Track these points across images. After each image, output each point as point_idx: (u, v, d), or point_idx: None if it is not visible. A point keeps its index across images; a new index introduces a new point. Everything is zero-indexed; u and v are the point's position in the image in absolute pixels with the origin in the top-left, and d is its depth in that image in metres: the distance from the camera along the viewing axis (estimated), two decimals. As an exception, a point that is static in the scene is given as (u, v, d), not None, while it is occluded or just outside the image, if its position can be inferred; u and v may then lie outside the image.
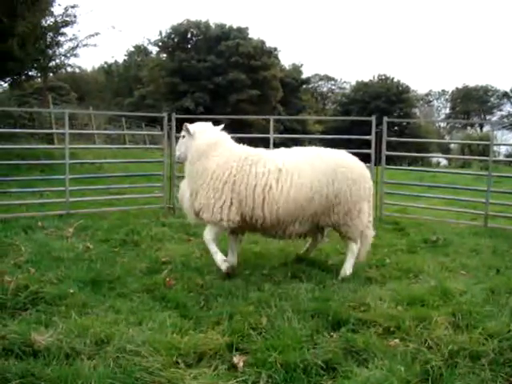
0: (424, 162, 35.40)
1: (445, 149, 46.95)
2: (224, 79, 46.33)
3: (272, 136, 9.84)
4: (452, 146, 46.80)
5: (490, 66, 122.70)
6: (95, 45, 22.99)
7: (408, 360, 3.65)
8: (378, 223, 9.14)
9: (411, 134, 47.54)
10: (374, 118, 9.70)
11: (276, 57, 52.93)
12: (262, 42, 50.40)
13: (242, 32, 49.33)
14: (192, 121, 6.15)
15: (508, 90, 71.47)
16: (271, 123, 10.01)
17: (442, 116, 75.04)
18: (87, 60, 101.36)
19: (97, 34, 22.66)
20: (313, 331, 4.12)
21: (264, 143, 9.56)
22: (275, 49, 52.49)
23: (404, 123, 54.33)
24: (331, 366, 3.60)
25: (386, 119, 9.66)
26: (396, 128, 52.91)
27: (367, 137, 9.85)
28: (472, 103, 71.59)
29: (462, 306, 4.64)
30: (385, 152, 9.73)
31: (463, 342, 3.89)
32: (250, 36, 50.02)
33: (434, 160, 41.44)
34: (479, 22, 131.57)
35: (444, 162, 39.53)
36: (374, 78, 61.69)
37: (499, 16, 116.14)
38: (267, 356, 3.60)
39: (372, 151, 9.76)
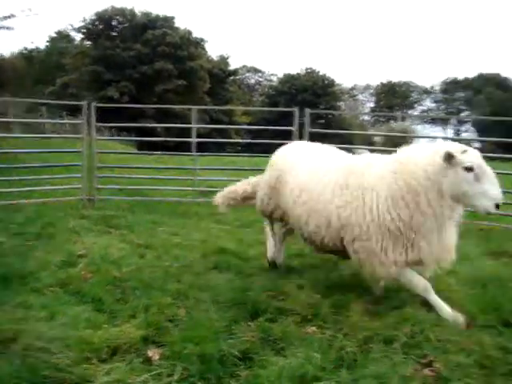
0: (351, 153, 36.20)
1: (369, 142, 48.30)
2: (150, 68, 45.60)
3: (195, 126, 9.78)
4: (376, 138, 48.20)
5: (412, 63, 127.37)
6: (11, 28, 21.84)
7: (324, 347, 3.68)
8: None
9: (336, 127, 48.65)
10: (297, 109, 9.82)
11: (203, 47, 52.65)
12: (189, 33, 49.99)
13: (168, 21, 48.69)
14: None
15: (428, 87, 74.58)
16: (193, 113, 9.94)
17: (367, 110, 77.25)
18: (4, 45, 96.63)
19: (12, 15, 21.53)
20: (231, 321, 4.10)
21: (187, 133, 9.51)
22: (202, 39, 52.19)
23: (330, 116, 55.52)
24: (248, 355, 3.58)
25: (308, 111, 9.77)
26: (323, 121, 54.01)
27: (290, 128, 9.95)
28: (395, 98, 74.19)
29: (379, 292, 4.77)
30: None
31: (377, 328, 3.98)
32: (176, 25, 49.40)
33: (358, 152, 42.45)
34: (401, 20, 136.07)
35: (366, 152, 40.68)
36: (301, 70, 62.64)
37: (421, 16, 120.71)
38: (183, 348, 3.55)
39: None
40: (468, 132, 67.19)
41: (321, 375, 3.30)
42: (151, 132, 37.15)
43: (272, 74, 74.07)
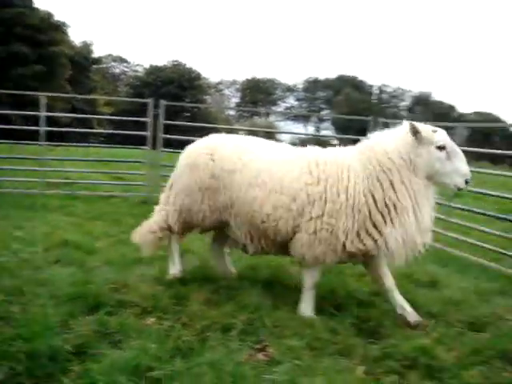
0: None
1: (233, 136, 49.03)
2: (5, 51, 42.38)
3: (43, 114, 9.35)
4: (240, 133, 49.05)
5: (277, 61, 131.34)
6: None
7: (161, 337, 3.68)
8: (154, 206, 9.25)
9: (202, 120, 48.68)
10: (152, 100, 9.73)
11: (65, 32, 49.95)
12: (50, 15, 47.13)
13: (25, 0, 45.51)
14: None
15: (291, 85, 77.37)
16: (42, 100, 9.44)
17: (233, 104, 78.31)
18: None
19: None
20: (68, 316, 3.94)
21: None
22: (64, 23, 49.50)
23: (196, 109, 55.49)
24: (82, 349, 3.48)
25: (163, 102, 9.71)
26: (188, 114, 53.85)
27: (144, 119, 9.83)
28: (260, 94, 76.02)
29: (221, 282, 4.88)
30: (162, 135, 9.82)
31: (216, 317, 4.07)
32: (35, 6, 46.35)
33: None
34: (266, 19, 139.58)
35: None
36: (167, 62, 61.88)
37: (285, 15, 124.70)
38: (10, 346, 3.36)
39: (148, 133, 9.80)
40: (328, 130, 70.60)
41: (155, 365, 3.29)
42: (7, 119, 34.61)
43: (138, 65, 72.32)
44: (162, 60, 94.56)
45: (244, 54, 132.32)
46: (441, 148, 4.15)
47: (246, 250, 4.77)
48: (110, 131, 17.06)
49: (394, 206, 4.12)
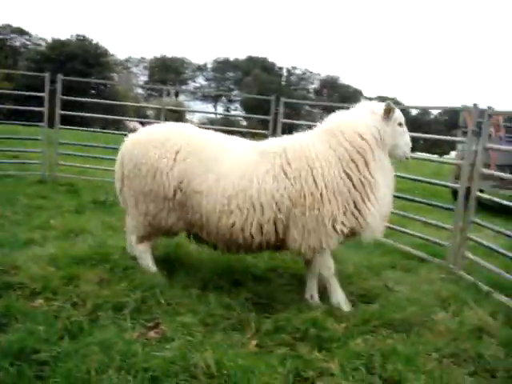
0: (122, 126, 35.65)
1: (142, 115, 48.07)
2: None
3: None
4: (149, 112, 48.14)
5: (186, 40, 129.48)
6: None
7: (50, 319, 3.57)
8: (52, 185, 8.94)
9: (110, 98, 47.29)
10: (48, 74, 9.28)
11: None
12: None
13: None
14: None
15: (201, 64, 76.73)
16: None
17: (141, 83, 76.54)
18: None
19: None
20: None
21: None
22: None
23: (102, 87, 53.80)
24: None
25: (60, 76, 9.31)
26: (94, 92, 52.10)
27: (41, 94, 9.37)
28: (169, 73, 74.74)
29: (119, 261, 4.75)
30: (59, 111, 9.43)
31: (108, 296, 3.99)
32: None
33: (132, 125, 42.04)
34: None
35: (140, 127, 40.41)
36: (71, 37, 59.32)
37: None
38: None
39: (45, 110, 9.35)
40: (237, 110, 70.88)
41: (42, 347, 3.19)
42: None
43: (41, 38, 68.66)
44: (66, 34, 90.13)
45: (153, 31, 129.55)
46: (401, 124, 4.50)
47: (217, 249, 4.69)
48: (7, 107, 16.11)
49: (369, 183, 4.23)
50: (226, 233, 4.27)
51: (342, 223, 4.20)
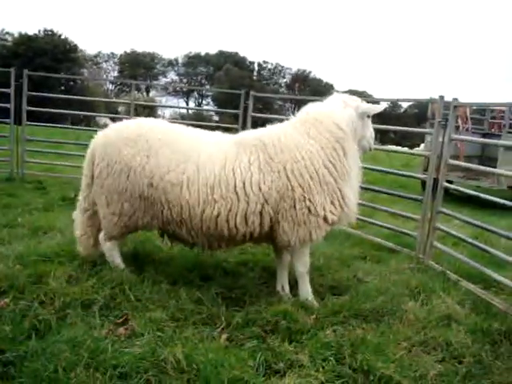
0: (92, 122, 35.33)
1: (113, 111, 47.58)
2: None
3: None
4: (120, 108, 47.71)
5: (156, 35, 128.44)
6: None
7: (17, 318, 3.51)
8: (19, 182, 8.80)
9: (79, 94, 46.65)
10: (13, 69, 9.13)
11: None
12: None
13: None
14: None
15: (172, 59, 76.18)
16: None
17: (111, 78, 75.67)
18: None
19: None
20: None
21: None
22: None
23: (72, 83, 53.07)
24: None
25: (26, 72, 9.16)
26: (63, 88, 51.35)
27: (6, 90, 9.20)
28: (140, 68, 73.96)
29: (85, 258, 4.68)
30: (25, 107, 9.28)
31: (76, 293, 3.93)
32: None
33: (103, 121, 41.65)
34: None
35: (110, 123, 40.08)
36: (39, 32, 58.24)
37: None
38: None
39: (11, 106, 9.20)
40: (209, 105, 70.55)
41: (8, 347, 3.14)
42: None
43: (7, 33, 67.17)
44: (33, 28, 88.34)
45: (123, 25, 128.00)
46: (369, 116, 4.59)
47: (194, 247, 4.67)
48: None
49: (347, 172, 4.29)
50: (210, 224, 4.21)
51: (331, 212, 4.25)
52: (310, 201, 4.16)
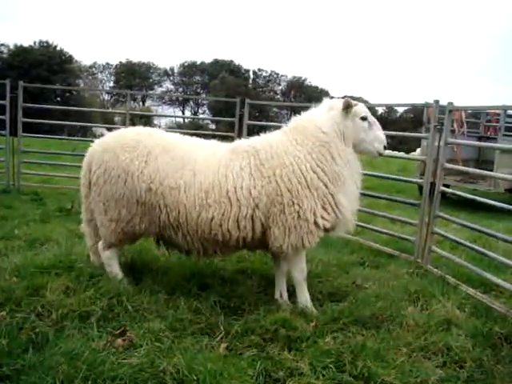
0: (89, 133, 35.36)
1: (109, 121, 47.60)
2: None
3: None
4: (116, 118, 47.73)
5: (151, 45, 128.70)
6: None
7: (14, 331, 3.47)
8: (16, 194, 8.78)
9: (75, 105, 46.67)
10: (9, 81, 9.12)
11: None
12: None
13: None
14: None
15: (168, 69, 76.32)
16: None
17: (107, 89, 75.71)
18: None
19: None
20: None
21: None
22: None
23: (68, 93, 53.15)
24: None
25: (21, 84, 9.17)
26: (59, 99, 51.39)
27: (1, 102, 9.21)
28: (135, 78, 74.04)
29: (85, 269, 4.65)
30: (21, 119, 9.28)
31: (73, 305, 3.90)
32: None
33: (99, 131, 41.67)
34: (142, 3, 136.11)
35: (106, 133, 40.10)
36: (35, 43, 58.32)
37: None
38: None
39: (7, 117, 9.19)
40: (205, 114, 70.50)
41: (5, 361, 3.10)
42: None
43: (2, 45, 67.19)
44: (28, 40, 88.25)
45: (118, 36, 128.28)
46: (363, 119, 4.44)
47: (189, 254, 4.66)
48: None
49: (339, 176, 4.26)
50: (205, 228, 4.22)
51: (323, 218, 4.23)
52: (298, 205, 4.16)
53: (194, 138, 4.73)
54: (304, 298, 4.41)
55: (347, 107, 4.35)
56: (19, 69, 52.28)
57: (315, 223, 4.21)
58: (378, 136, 4.52)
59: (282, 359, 3.39)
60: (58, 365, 3.06)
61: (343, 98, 4.54)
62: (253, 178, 4.20)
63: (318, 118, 4.41)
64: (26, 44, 57.45)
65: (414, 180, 8.04)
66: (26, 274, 4.49)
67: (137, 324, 3.73)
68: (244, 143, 4.56)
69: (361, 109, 4.47)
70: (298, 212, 4.16)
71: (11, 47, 59.28)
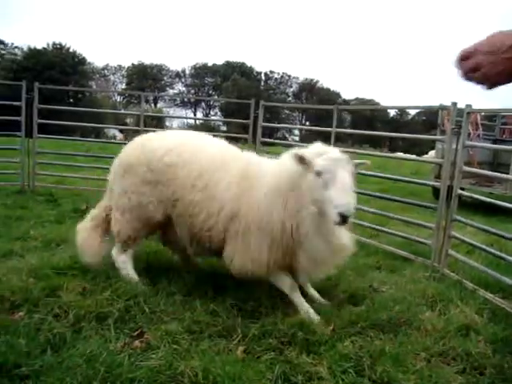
0: (102, 134, 35.57)
1: (121, 122, 47.85)
2: None
3: None
4: (128, 120, 47.97)
5: (163, 47, 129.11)
6: None
7: (31, 332, 3.48)
8: (31, 195, 8.82)
9: (88, 106, 46.95)
10: (24, 82, 9.19)
11: None
12: None
13: None
14: None
15: (180, 71, 76.61)
16: None
17: (119, 90, 76.08)
18: None
19: None
20: None
21: None
22: None
23: (80, 95, 53.50)
24: None
25: (37, 85, 9.24)
26: (71, 100, 51.75)
27: (17, 103, 9.26)
28: (147, 80, 74.46)
29: (102, 270, 4.63)
30: (36, 120, 9.33)
31: (90, 306, 3.90)
32: None
33: (111, 133, 41.92)
34: (152, 4, 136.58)
35: (119, 134, 40.31)
36: (48, 46, 58.81)
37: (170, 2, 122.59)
38: None
39: (22, 118, 9.24)
40: (216, 116, 70.71)
41: (23, 361, 3.10)
42: None
43: (16, 47, 67.76)
44: (42, 42, 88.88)
45: (130, 38, 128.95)
46: (318, 174, 3.67)
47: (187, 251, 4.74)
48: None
49: (297, 228, 3.96)
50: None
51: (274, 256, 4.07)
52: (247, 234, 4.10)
53: (209, 138, 4.84)
54: (303, 309, 4.19)
55: (299, 162, 3.82)
56: (33, 71, 52.75)
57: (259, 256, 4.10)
58: (331, 198, 3.57)
59: (300, 363, 3.35)
60: (77, 366, 3.06)
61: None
62: (228, 190, 4.24)
63: (277, 169, 4.15)
64: (39, 46, 57.93)
65: (432, 183, 7.96)
66: (42, 275, 4.51)
67: (154, 326, 3.72)
68: (238, 154, 4.59)
69: (318, 161, 3.70)
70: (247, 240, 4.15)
71: (25, 49, 59.84)
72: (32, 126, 9.39)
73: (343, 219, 3.47)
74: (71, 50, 58.62)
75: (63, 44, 59.04)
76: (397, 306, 4.37)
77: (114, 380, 2.98)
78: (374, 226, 7.24)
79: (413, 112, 69.30)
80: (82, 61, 59.49)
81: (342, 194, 3.51)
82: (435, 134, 10.96)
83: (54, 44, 59.00)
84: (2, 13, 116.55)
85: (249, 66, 76.13)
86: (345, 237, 4.15)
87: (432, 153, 16.64)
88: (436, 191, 9.30)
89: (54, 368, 3.06)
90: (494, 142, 12.81)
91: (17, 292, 4.10)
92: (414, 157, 19.47)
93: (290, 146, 4.95)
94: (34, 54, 56.85)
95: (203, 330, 3.76)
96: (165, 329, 3.66)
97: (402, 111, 65.82)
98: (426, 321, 4.17)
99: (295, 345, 3.62)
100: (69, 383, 2.90)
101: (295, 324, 3.83)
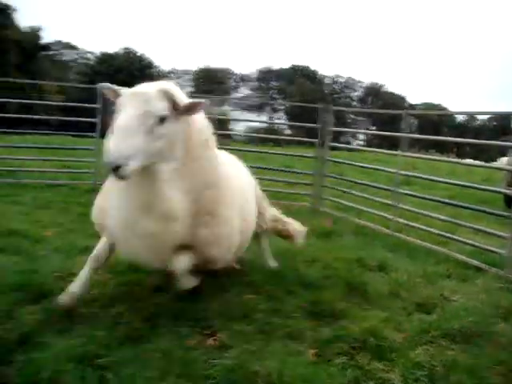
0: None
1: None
2: None
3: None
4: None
5: (229, 51, 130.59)
6: None
7: (109, 324, 3.62)
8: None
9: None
10: (99, 86, 9.52)
11: (8, 17, 48.02)
12: (-6, -2, 45.28)
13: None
14: None
15: (245, 74, 77.31)
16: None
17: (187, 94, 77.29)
18: None
19: None
20: (12, 306, 3.81)
21: None
22: (10, 7, 47.50)
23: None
24: (27, 339, 3.36)
25: (103, 85, 9.53)
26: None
27: (93, 105, 9.63)
28: (213, 84, 75.39)
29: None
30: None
31: (166, 302, 4.05)
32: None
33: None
34: (218, 8, 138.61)
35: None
36: (119, 50, 60.67)
37: (238, 6, 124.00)
38: None
39: (98, 120, 9.59)
40: (281, 119, 70.72)
41: (103, 353, 3.23)
42: None
43: (89, 52, 70.19)
44: (113, 47, 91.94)
45: (196, 42, 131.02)
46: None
47: None
48: (55, 118, 16.85)
49: None
50: None
51: None
52: None
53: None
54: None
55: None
56: (105, 74, 54.49)
57: None
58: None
59: (372, 369, 3.33)
60: (153, 360, 3.17)
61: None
62: None
63: None
64: (110, 51, 59.83)
65: (503, 190, 7.71)
66: (118, 271, 4.68)
67: (225, 325, 3.78)
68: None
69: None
70: None
71: (97, 54, 61.99)
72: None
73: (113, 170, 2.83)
74: (138, 54, 60.16)
75: (131, 48, 60.71)
76: (469, 317, 4.25)
77: (189, 376, 3.05)
78: (442, 233, 7.08)
79: (482, 117, 67.11)
80: (149, 64, 60.87)
81: (111, 138, 2.89)
82: (507, 141, 10.59)
83: (124, 48, 60.73)
84: (75, 20, 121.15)
85: (313, 69, 75.87)
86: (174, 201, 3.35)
87: (503, 159, 16.05)
88: (508, 199, 9.00)
89: (132, 360, 3.16)
90: None
91: (94, 286, 4.26)
92: (483, 163, 18.84)
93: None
94: (106, 58, 58.73)
95: (274, 331, 3.79)
96: (236, 329, 3.72)
97: (470, 116, 63.74)
98: (500, 333, 4.05)
99: (366, 350, 3.59)
100: (148, 375, 2.99)
101: (366, 330, 3.79)
